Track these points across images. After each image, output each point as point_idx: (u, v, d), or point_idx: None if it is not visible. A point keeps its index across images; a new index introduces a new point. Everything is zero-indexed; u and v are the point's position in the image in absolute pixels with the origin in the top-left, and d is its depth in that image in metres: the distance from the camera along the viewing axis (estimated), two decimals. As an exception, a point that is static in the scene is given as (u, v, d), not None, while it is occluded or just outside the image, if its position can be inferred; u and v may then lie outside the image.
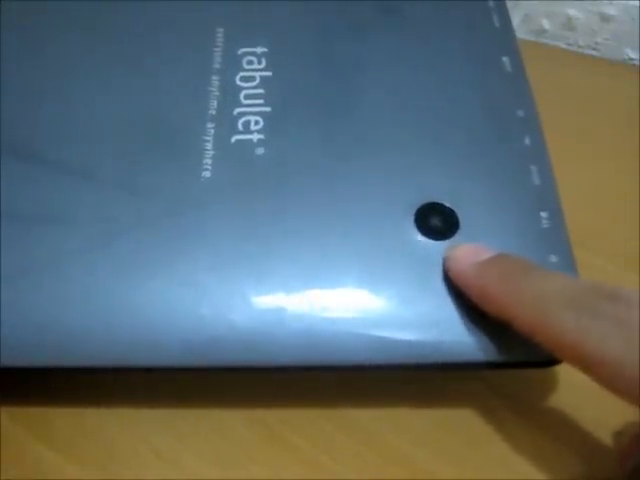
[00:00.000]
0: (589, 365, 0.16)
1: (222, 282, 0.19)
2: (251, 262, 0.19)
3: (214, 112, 0.22)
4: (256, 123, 0.22)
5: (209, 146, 0.21)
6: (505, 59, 0.23)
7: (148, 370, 0.19)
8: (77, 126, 0.22)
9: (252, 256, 0.19)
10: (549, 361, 0.18)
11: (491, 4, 0.25)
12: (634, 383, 0.15)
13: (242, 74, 0.23)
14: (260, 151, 0.21)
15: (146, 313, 0.19)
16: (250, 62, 0.23)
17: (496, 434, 0.20)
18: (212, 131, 0.21)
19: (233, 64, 0.23)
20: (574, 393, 0.21)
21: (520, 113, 0.22)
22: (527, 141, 0.21)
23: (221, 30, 0.24)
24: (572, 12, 0.26)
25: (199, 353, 0.18)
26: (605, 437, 0.20)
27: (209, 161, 0.21)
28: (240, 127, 0.22)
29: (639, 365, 0.15)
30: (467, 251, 0.18)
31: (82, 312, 0.19)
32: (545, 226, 0.20)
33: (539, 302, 0.16)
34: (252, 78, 0.23)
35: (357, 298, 0.19)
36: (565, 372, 0.21)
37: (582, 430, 0.20)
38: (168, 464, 0.20)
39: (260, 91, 0.22)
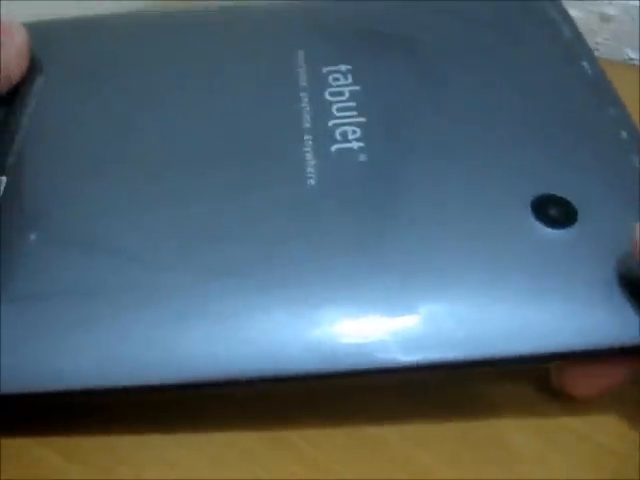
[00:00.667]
0: None
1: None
2: (379, 267, 0.19)
3: (308, 125, 0.22)
4: (353, 132, 0.22)
5: (309, 156, 0.21)
6: (585, 64, 0.24)
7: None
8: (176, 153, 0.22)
9: (375, 261, 0.18)
10: None
11: (558, 17, 0.26)
12: None
13: (330, 90, 0.23)
14: (363, 158, 0.21)
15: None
16: (336, 79, 0.24)
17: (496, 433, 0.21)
18: (310, 142, 0.21)
19: (320, 82, 0.24)
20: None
21: (611, 110, 0.22)
22: (624, 135, 0.21)
23: (302, 52, 0.24)
24: (572, 12, 0.26)
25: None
26: (611, 443, 0.20)
27: (312, 170, 0.21)
28: (338, 137, 0.22)
29: None
30: None
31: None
32: None
33: None
34: (341, 93, 0.23)
35: (494, 294, 0.18)
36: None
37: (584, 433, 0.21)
38: (168, 464, 0.20)
39: (351, 104, 0.23)
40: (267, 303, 0.19)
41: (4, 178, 0.23)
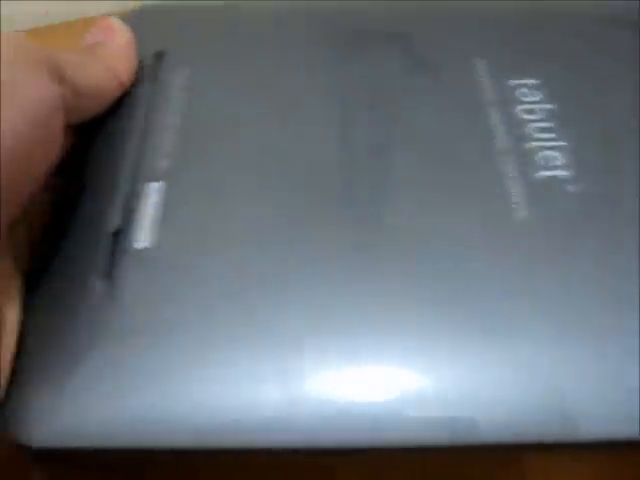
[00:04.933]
0: None
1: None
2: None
3: (503, 146, 0.19)
4: (556, 158, 0.19)
5: (511, 184, 0.19)
6: None
7: None
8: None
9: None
10: None
11: None
12: None
13: (520, 107, 0.21)
14: (572, 189, 0.19)
15: None
16: (524, 94, 0.21)
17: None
18: (508, 167, 0.19)
19: (507, 96, 0.21)
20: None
21: None
22: None
23: (481, 62, 0.22)
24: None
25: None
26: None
27: (517, 200, 0.18)
28: (540, 162, 0.19)
29: None
30: None
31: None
32: None
33: None
34: (533, 111, 0.21)
35: None
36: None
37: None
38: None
39: (548, 124, 0.20)
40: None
41: (160, 185, 0.20)
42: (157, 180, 0.20)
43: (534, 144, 0.20)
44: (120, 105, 0.22)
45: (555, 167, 0.20)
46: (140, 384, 0.17)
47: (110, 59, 0.22)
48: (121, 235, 0.19)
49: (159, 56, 0.24)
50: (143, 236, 0.19)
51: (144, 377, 0.17)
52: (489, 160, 0.20)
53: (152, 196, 0.20)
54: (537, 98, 0.21)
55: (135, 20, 0.25)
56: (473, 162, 0.20)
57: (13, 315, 0.18)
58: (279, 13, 0.25)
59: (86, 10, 0.37)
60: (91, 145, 0.22)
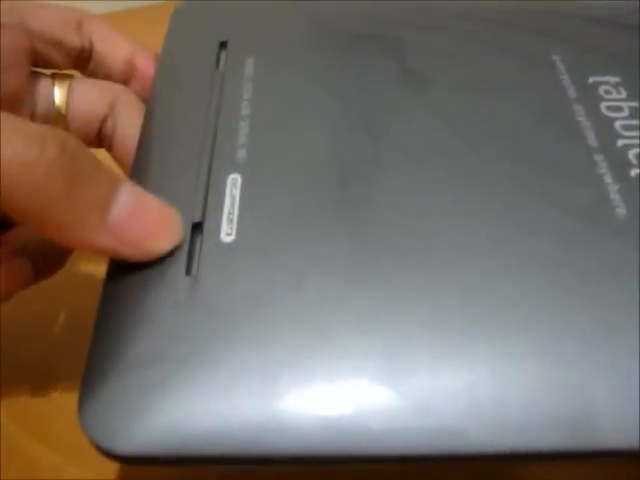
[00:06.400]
0: None
1: None
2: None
3: (595, 143, 0.19)
4: (647, 155, 0.19)
5: (609, 180, 0.18)
6: None
7: None
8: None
9: None
10: None
11: None
12: None
13: (606, 104, 0.20)
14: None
15: None
16: (608, 92, 0.21)
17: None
18: (604, 164, 0.18)
19: (590, 93, 0.21)
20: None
21: None
22: None
23: (557, 58, 0.21)
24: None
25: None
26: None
27: (617, 197, 0.18)
28: (632, 160, 0.19)
29: None
30: None
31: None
32: None
33: None
34: (619, 108, 0.20)
35: None
36: None
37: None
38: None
39: (635, 122, 0.20)
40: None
41: (238, 176, 0.19)
42: (235, 172, 0.19)
43: (625, 142, 0.20)
44: (187, 93, 0.21)
45: (648, 164, 0.19)
46: (239, 392, 0.16)
47: None
48: (204, 228, 0.18)
49: (223, 45, 0.23)
50: (229, 229, 0.18)
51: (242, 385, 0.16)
52: (583, 157, 0.19)
53: (232, 188, 0.19)
54: (621, 96, 0.21)
55: (196, 9, 0.24)
56: (568, 159, 0.19)
57: None
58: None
59: (86, 10, 0.36)
60: (158, 135, 0.21)
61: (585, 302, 0.16)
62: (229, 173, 0.19)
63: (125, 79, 0.25)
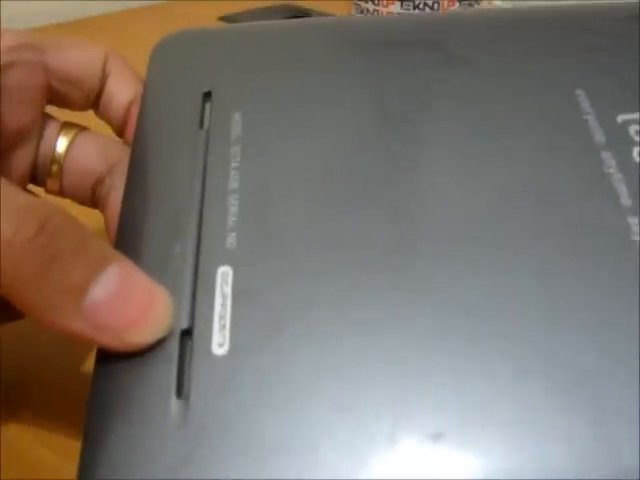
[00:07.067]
0: None
1: None
2: None
3: (629, 203, 0.17)
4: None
5: None
6: None
7: None
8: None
9: None
10: None
11: None
12: None
13: (638, 149, 0.18)
14: None
15: None
16: (638, 132, 0.18)
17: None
18: (637, 229, 0.16)
19: (620, 136, 0.18)
20: None
21: None
22: None
23: (581, 93, 0.19)
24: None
25: None
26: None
27: None
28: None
29: None
30: None
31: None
32: None
33: None
34: (654, 154, 0.18)
35: None
36: None
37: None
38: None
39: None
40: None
41: (229, 270, 0.17)
42: (225, 263, 0.17)
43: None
44: (169, 161, 0.19)
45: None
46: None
47: None
48: (194, 336, 0.16)
49: (207, 95, 0.21)
50: (221, 338, 0.16)
51: None
52: (615, 221, 0.17)
53: (222, 285, 0.17)
54: (654, 136, 0.18)
55: (178, 47, 0.22)
56: (596, 222, 0.17)
57: None
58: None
59: (86, 10, 0.34)
60: (139, 213, 0.19)
61: None
62: (218, 265, 0.17)
63: (121, 128, 0.24)
